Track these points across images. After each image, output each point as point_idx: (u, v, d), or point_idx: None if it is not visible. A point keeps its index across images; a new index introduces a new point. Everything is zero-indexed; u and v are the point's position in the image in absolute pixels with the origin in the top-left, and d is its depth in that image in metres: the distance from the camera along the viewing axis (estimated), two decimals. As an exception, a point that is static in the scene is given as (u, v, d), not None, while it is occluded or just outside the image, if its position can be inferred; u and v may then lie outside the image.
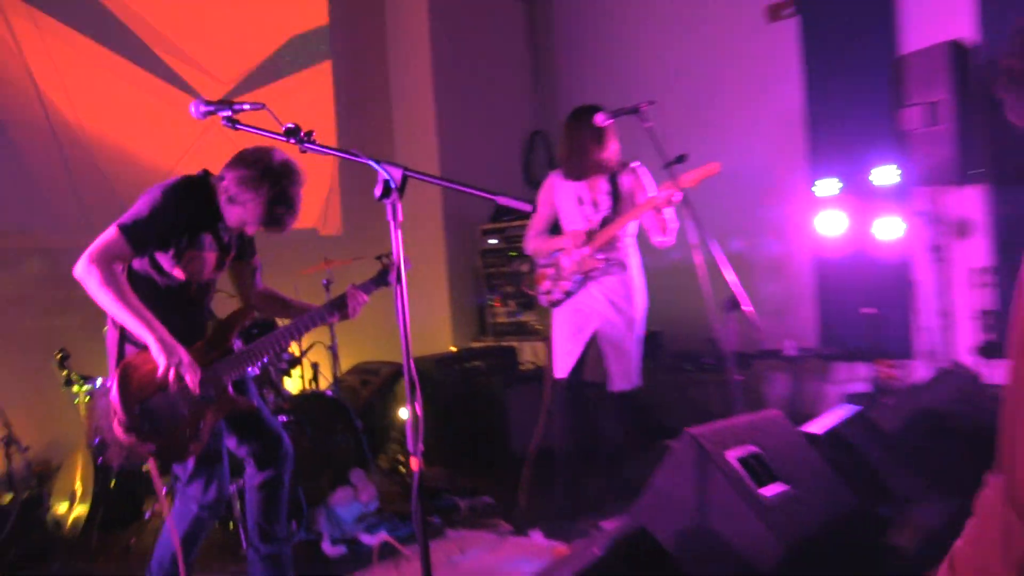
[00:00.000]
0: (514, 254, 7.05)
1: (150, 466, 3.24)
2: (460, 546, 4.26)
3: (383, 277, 3.66)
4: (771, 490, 3.06)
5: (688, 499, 2.98)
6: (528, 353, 6.91)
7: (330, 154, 2.57)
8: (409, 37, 7.50)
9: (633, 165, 4.67)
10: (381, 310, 7.09)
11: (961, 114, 5.36)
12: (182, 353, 3.09)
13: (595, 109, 4.50)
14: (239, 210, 3.25)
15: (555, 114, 7.96)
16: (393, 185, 2.38)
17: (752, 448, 3.17)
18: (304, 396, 4.87)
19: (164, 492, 3.30)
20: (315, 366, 5.64)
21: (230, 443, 3.52)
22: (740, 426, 3.27)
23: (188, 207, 3.20)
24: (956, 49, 5.40)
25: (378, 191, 2.38)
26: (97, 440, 4.54)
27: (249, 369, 3.45)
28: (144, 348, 3.10)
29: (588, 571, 2.51)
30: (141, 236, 3.09)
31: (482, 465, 5.68)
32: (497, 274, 7.24)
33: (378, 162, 2.38)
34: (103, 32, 5.75)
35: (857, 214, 5.88)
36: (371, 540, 4.36)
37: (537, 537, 4.37)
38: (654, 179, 4.69)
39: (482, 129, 7.63)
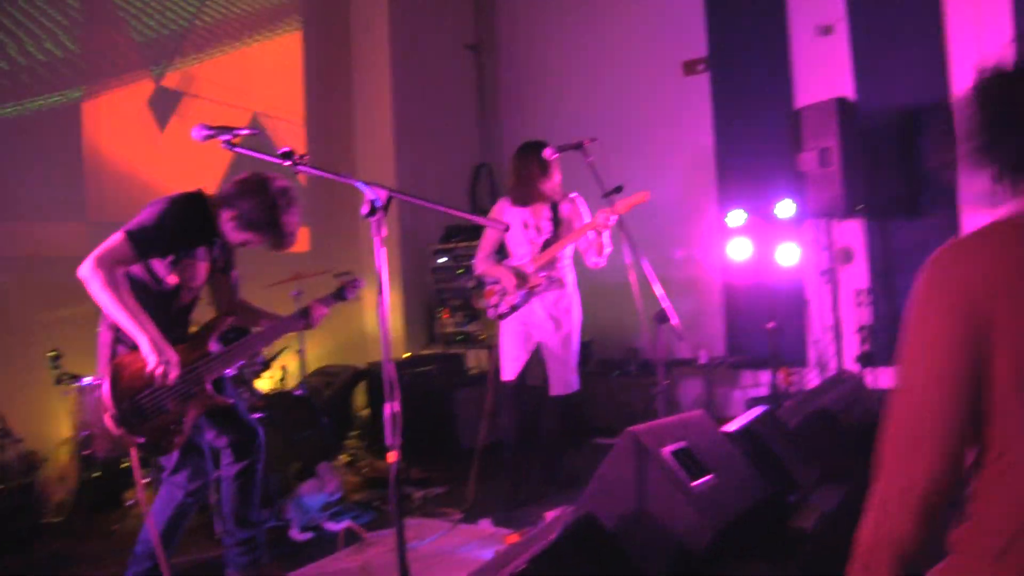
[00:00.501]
0: (461, 271, 6.98)
1: (132, 457, 3.08)
2: (417, 533, 4.14)
3: (340, 293, 3.65)
4: (700, 481, 3.04)
5: (630, 489, 2.94)
6: (473, 359, 6.85)
7: (321, 175, 2.48)
8: (372, 81, 7.40)
9: (572, 196, 4.69)
10: (340, 320, 7.01)
11: (846, 158, 5.48)
12: (170, 353, 3.01)
13: (542, 144, 4.51)
14: (249, 233, 3.22)
15: (498, 149, 7.95)
16: (378, 204, 2.31)
17: (683, 444, 3.15)
18: (275, 395, 4.73)
19: (143, 482, 3.18)
20: (284, 368, 5.50)
21: (209, 435, 3.41)
22: (673, 425, 3.25)
23: (190, 220, 3.14)
24: (842, 104, 5.53)
25: (364, 209, 2.30)
26: (84, 433, 4.39)
27: (226, 371, 3.37)
28: (135, 349, 3.01)
29: (544, 553, 2.45)
30: (146, 243, 3.02)
31: (433, 459, 5.57)
32: (446, 289, 7.16)
33: (366, 184, 2.31)
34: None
35: (761, 241, 5.95)
36: (336, 527, 4.23)
37: (486, 525, 4.29)
38: (591, 208, 4.69)
39: (435, 162, 7.56)
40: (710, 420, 3.57)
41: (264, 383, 5.30)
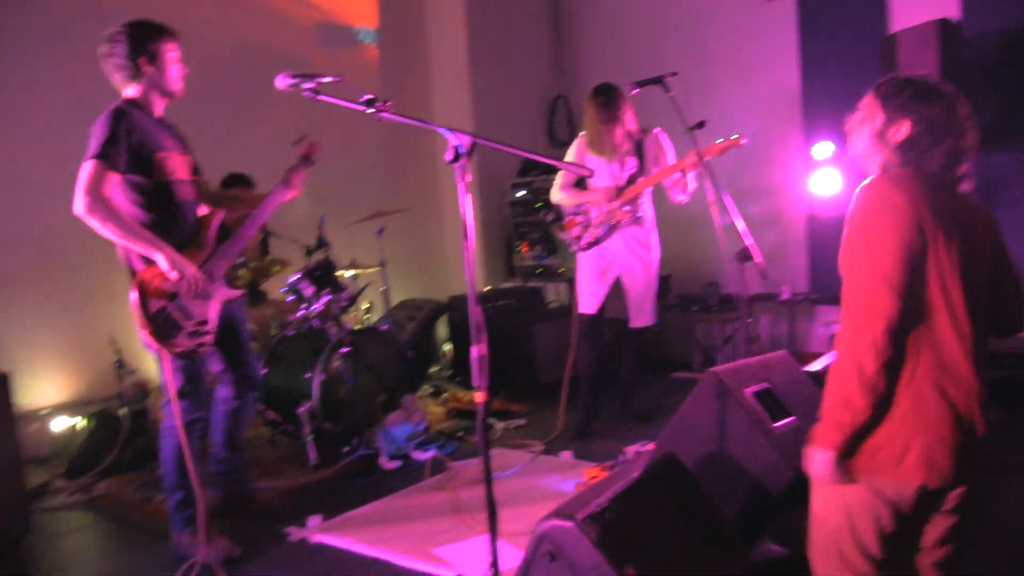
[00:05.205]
0: (540, 205, 6.97)
1: (164, 368, 3.23)
2: (499, 463, 4.24)
3: (308, 160, 3.67)
4: (782, 422, 3.03)
5: (711, 429, 2.96)
6: (552, 293, 6.88)
7: (404, 122, 2.49)
8: (446, 12, 7.32)
9: (656, 131, 4.62)
10: (421, 251, 7.11)
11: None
12: (187, 266, 3.18)
13: (611, 88, 4.48)
14: (150, 80, 3.26)
15: (574, 80, 7.82)
16: (462, 151, 2.32)
17: (765, 385, 3.14)
18: (361, 330, 4.86)
19: (175, 391, 3.25)
20: (371, 303, 5.64)
21: (216, 366, 3.60)
22: (755, 365, 3.23)
23: (134, 119, 3.20)
24: (945, 26, 5.23)
25: (449, 156, 2.32)
26: None
27: (232, 260, 3.54)
28: (150, 262, 3.16)
29: (628, 490, 2.51)
30: (115, 156, 3.11)
31: (512, 391, 5.68)
32: (524, 223, 7.17)
33: (449, 130, 2.32)
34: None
35: (849, 175, 5.76)
36: (422, 456, 4.38)
37: (567, 457, 4.38)
38: (674, 144, 4.64)
39: (511, 93, 7.50)
40: (793, 361, 3.55)
41: (351, 318, 5.46)
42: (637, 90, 4.26)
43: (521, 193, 7.16)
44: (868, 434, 1.88)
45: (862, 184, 1.95)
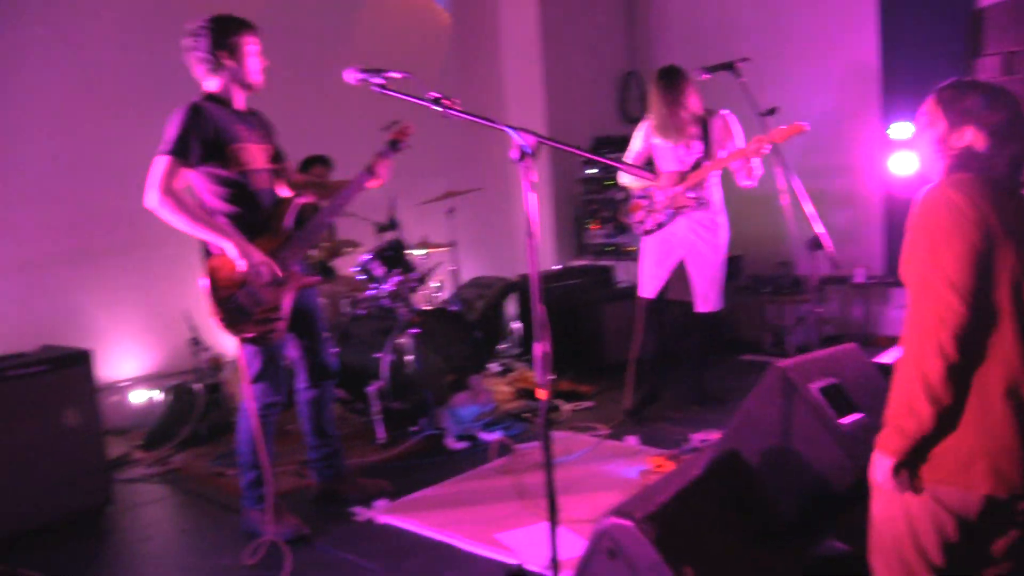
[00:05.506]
0: (610, 183, 6.92)
1: (240, 355, 3.31)
2: (565, 447, 4.24)
3: (395, 145, 3.58)
4: (849, 418, 2.99)
5: (775, 426, 2.92)
6: (623, 272, 6.84)
7: (470, 119, 2.51)
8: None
9: (723, 113, 4.55)
10: (493, 230, 7.13)
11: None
12: (253, 252, 3.19)
13: (675, 70, 4.45)
14: (230, 73, 3.30)
15: (647, 56, 7.71)
16: (527, 150, 2.33)
17: (833, 380, 3.09)
18: (430, 311, 4.92)
19: (252, 375, 3.34)
20: (441, 283, 5.70)
21: (292, 353, 3.61)
22: (822, 359, 3.18)
23: (209, 112, 3.24)
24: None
25: (514, 154, 2.34)
26: None
27: (309, 248, 3.56)
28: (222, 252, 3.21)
29: (689, 489, 2.51)
30: (186, 151, 3.15)
31: (580, 372, 5.68)
32: (594, 201, 7.13)
33: (515, 129, 2.33)
34: None
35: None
36: (488, 437, 4.44)
37: (633, 442, 4.37)
38: (744, 127, 4.56)
39: (584, 69, 7.43)
40: (862, 354, 3.48)
41: (421, 296, 5.52)
42: (707, 76, 4.20)
43: (592, 171, 7.11)
44: (933, 442, 1.87)
45: (924, 189, 1.93)
